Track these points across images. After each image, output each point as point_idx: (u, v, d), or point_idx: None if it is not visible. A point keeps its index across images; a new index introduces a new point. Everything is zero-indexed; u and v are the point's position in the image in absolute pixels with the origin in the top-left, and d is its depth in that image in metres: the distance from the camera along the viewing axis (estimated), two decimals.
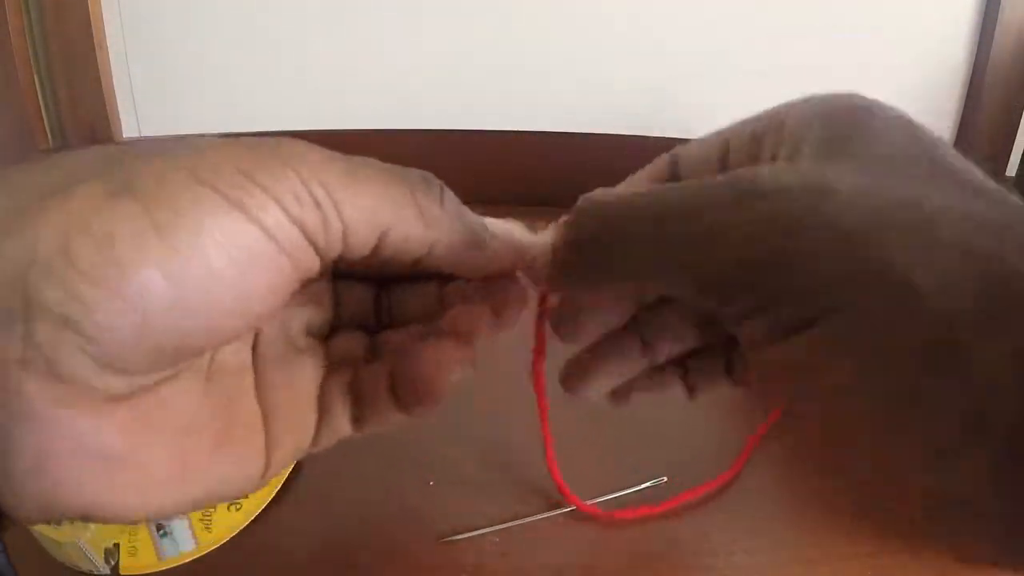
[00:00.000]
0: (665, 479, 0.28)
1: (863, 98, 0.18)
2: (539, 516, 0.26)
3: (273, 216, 0.14)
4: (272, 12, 0.59)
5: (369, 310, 0.21)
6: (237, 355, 0.18)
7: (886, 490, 0.17)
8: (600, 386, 0.23)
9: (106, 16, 0.58)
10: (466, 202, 0.19)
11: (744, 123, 0.20)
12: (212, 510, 0.30)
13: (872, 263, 0.14)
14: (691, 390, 0.23)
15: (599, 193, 0.19)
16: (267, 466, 0.18)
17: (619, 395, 0.23)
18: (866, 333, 0.14)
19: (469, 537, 0.25)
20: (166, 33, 0.60)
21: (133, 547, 0.28)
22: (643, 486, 0.28)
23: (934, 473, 0.14)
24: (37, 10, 0.56)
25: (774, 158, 0.18)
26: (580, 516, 0.27)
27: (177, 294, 0.14)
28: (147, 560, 0.28)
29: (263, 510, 0.30)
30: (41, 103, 0.59)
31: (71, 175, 0.14)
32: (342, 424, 0.19)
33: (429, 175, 0.18)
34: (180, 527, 0.29)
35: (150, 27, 0.60)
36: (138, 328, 0.14)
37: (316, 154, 0.15)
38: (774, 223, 0.15)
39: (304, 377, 0.19)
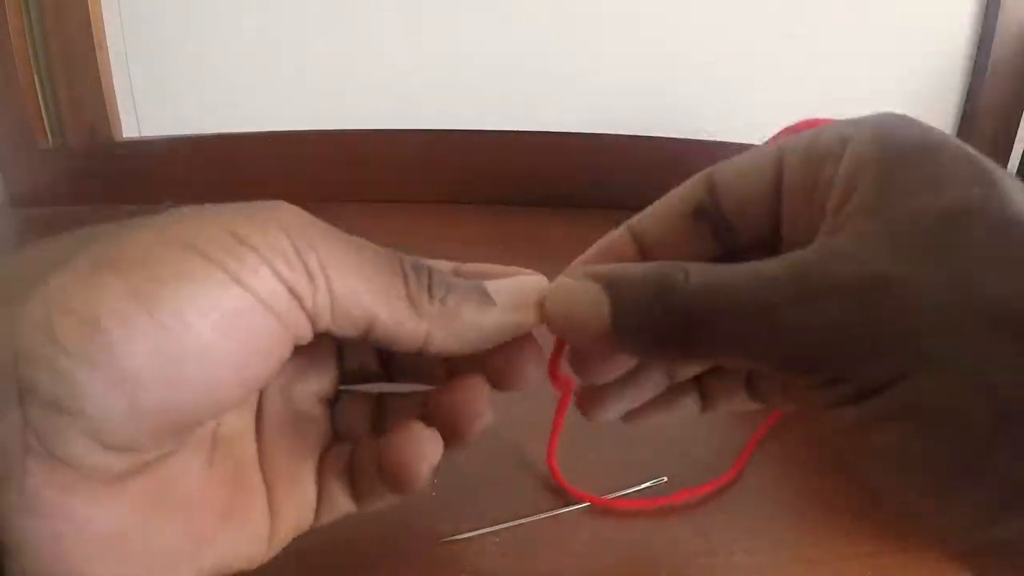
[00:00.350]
0: (665, 479, 0.28)
1: (928, 132, 0.17)
2: (539, 516, 0.26)
3: (264, 280, 0.14)
4: (272, 12, 0.59)
5: (375, 363, 0.21)
6: (240, 422, 0.18)
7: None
8: (618, 410, 0.23)
9: (106, 16, 0.58)
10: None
11: (798, 138, 0.19)
12: None
13: (943, 344, 0.14)
14: (707, 406, 0.23)
15: (671, 273, 0.17)
16: (272, 535, 0.18)
17: (635, 415, 0.23)
18: (926, 406, 0.14)
19: (469, 537, 0.25)
20: (166, 33, 0.60)
21: None
22: (643, 486, 0.28)
23: (975, 532, 0.15)
24: (37, 10, 0.56)
25: (822, 207, 0.17)
26: (580, 516, 0.27)
27: (168, 368, 0.13)
28: None
29: None
30: (41, 103, 0.59)
31: (59, 255, 0.14)
32: (342, 501, 0.20)
33: (419, 262, 0.17)
34: None
35: (150, 27, 0.59)
36: (132, 405, 0.13)
37: (312, 224, 0.16)
38: (841, 318, 0.15)
39: (306, 447, 0.19)
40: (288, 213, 0.16)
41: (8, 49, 0.55)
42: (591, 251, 0.22)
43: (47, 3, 0.56)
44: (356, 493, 0.20)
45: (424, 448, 0.18)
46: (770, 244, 0.20)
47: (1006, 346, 0.14)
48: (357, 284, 0.16)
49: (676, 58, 0.61)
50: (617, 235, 0.22)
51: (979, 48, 0.60)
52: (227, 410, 0.16)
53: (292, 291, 0.15)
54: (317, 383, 0.20)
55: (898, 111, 0.18)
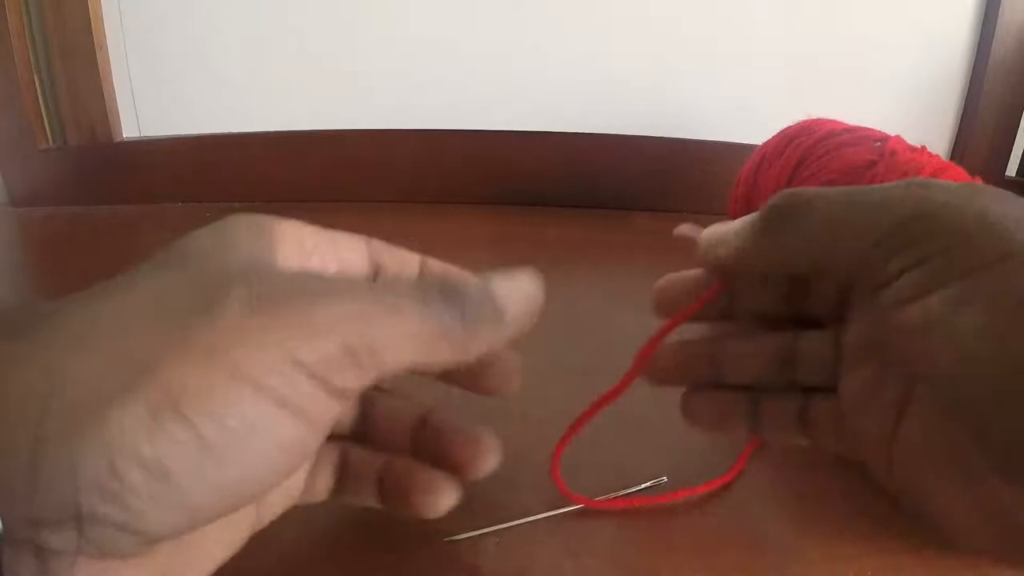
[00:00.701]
0: (665, 479, 0.28)
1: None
2: (539, 516, 0.26)
3: (317, 399, 0.15)
4: (272, 12, 0.59)
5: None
6: None
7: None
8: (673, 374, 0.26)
9: (106, 16, 0.58)
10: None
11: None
12: None
13: (1009, 242, 0.17)
14: (757, 430, 0.24)
15: (796, 191, 0.21)
16: (256, 525, 0.19)
17: (691, 409, 0.26)
18: (1006, 293, 0.16)
19: (469, 537, 0.25)
20: (166, 33, 0.60)
21: None
22: (643, 486, 0.28)
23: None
24: (37, 10, 0.56)
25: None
26: (580, 516, 0.27)
27: (226, 495, 0.14)
28: None
29: None
30: (41, 103, 0.59)
31: (106, 372, 0.14)
32: (320, 491, 0.21)
33: (451, 290, 0.18)
34: None
35: (150, 27, 0.60)
36: (188, 519, 0.14)
37: (359, 307, 0.16)
38: (942, 200, 0.18)
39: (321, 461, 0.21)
40: (333, 308, 0.15)
41: (8, 49, 0.55)
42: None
43: (47, 3, 0.56)
44: (337, 488, 0.21)
45: (433, 496, 0.20)
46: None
47: None
48: (400, 349, 0.16)
49: (676, 58, 0.61)
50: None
51: (979, 48, 0.60)
52: (263, 493, 0.17)
53: (340, 392, 0.16)
54: None
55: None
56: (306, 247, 0.20)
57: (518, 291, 0.19)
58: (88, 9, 0.56)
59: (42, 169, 0.60)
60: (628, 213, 0.62)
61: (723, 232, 0.23)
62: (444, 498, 0.21)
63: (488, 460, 0.21)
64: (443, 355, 0.17)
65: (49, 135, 0.60)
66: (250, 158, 0.61)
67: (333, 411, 0.16)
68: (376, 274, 0.23)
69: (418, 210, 0.61)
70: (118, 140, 0.60)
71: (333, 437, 0.21)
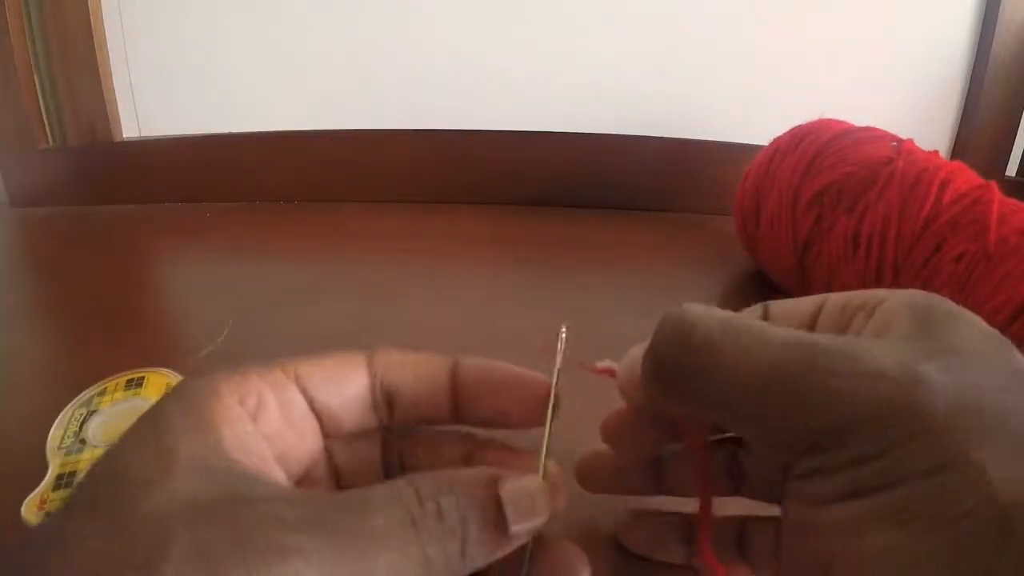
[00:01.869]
0: None
1: (954, 305, 0.19)
2: None
3: None
4: (272, 12, 0.59)
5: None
6: None
7: None
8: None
9: (106, 16, 0.58)
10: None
11: (841, 294, 0.21)
12: None
13: (951, 448, 0.15)
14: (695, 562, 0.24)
15: (695, 315, 0.19)
16: None
17: (623, 530, 0.26)
18: (931, 505, 0.15)
19: None
20: (166, 33, 0.60)
21: None
22: None
23: None
24: (37, 10, 0.56)
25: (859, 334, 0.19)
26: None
27: None
28: None
29: None
30: (41, 103, 0.59)
31: None
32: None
33: (449, 512, 0.16)
34: None
35: (150, 27, 0.59)
36: None
37: (322, 566, 0.15)
38: (869, 402, 0.16)
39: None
40: (289, 570, 0.14)
41: (8, 49, 0.55)
42: None
43: (47, 3, 0.56)
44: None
45: None
46: None
47: (1011, 460, 0.15)
48: None
49: (677, 58, 0.61)
50: None
51: (979, 48, 0.60)
52: None
53: None
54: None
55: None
56: (249, 407, 0.18)
57: (527, 501, 0.18)
58: (88, 9, 0.56)
59: (42, 169, 0.60)
60: (630, 213, 0.62)
61: (635, 374, 0.21)
62: None
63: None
64: None
65: (49, 135, 0.60)
66: (250, 158, 0.61)
67: None
68: (389, 402, 0.21)
69: (418, 210, 0.60)
70: (118, 140, 0.60)
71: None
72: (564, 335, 0.21)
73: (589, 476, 0.23)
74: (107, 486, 0.16)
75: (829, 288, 0.40)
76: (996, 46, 0.58)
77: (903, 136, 0.42)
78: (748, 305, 0.22)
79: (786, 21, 0.60)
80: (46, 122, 0.60)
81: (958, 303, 0.32)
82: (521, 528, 0.17)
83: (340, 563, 0.14)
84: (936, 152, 0.40)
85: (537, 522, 0.18)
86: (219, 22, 0.59)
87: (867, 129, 0.44)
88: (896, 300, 0.19)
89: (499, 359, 0.23)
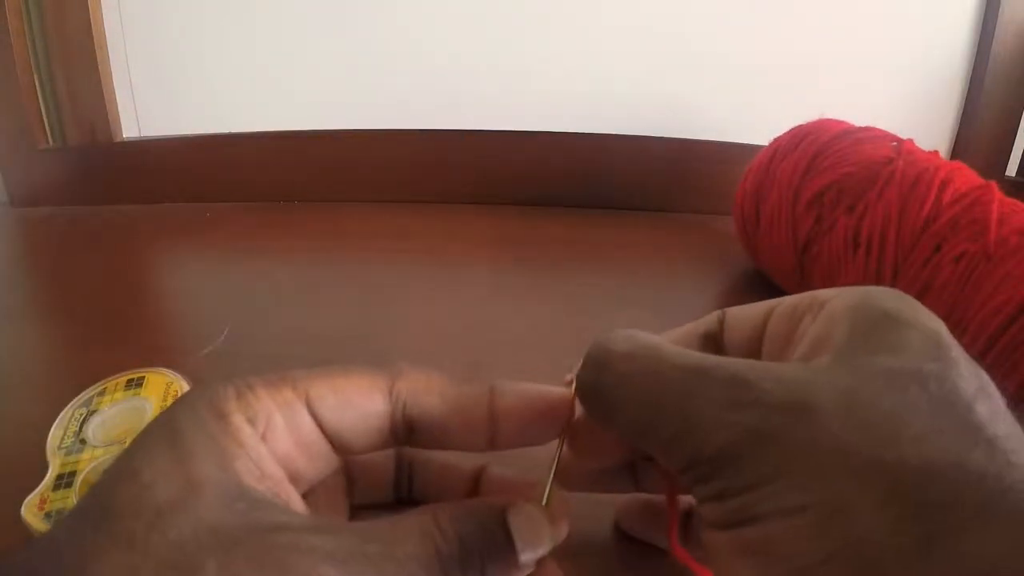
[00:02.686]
0: None
1: (901, 300, 0.18)
2: None
3: None
4: (272, 12, 0.59)
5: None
6: None
7: None
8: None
9: (106, 16, 0.58)
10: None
11: (792, 297, 0.21)
12: None
13: (818, 490, 0.14)
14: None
15: (614, 340, 0.19)
16: None
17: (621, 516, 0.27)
18: (788, 547, 0.15)
19: None
20: (166, 33, 0.60)
21: None
22: None
23: None
24: (37, 10, 0.56)
25: (801, 339, 0.19)
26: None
27: None
28: None
29: None
30: (41, 103, 0.59)
31: None
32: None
33: (471, 557, 0.17)
34: None
35: (150, 27, 0.59)
36: None
37: None
38: (743, 433, 0.16)
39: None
40: None
41: (8, 49, 0.55)
42: None
43: (47, 3, 0.56)
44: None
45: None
46: None
47: (882, 510, 0.14)
48: None
49: (677, 59, 0.61)
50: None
51: (979, 48, 0.60)
52: None
53: None
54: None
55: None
56: (260, 429, 0.18)
57: (534, 530, 0.18)
58: (88, 9, 0.56)
59: (42, 169, 0.60)
60: (630, 213, 0.62)
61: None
62: None
63: None
64: None
65: (49, 135, 0.60)
66: (250, 158, 0.61)
67: None
68: (411, 427, 0.20)
69: (418, 210, 0.60)
70: (118, 140, 0.60)
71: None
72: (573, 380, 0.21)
73: (568, 476, 0.23)
74: (129, 508, 0.15)
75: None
76: (996, 46, 0.58)
77: (903, 136, 0.42)
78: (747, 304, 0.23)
79: (786, 21, 0.60)
80: (46, 122, 0.60)
81: (958, 303, 0.32)
82: (529, 557, 0.18)
83: None
84: (936, 152, 0.40)
85: (542, 551, 0.18)
86: (219, 22, 0.59)
87: (867, 129, 0.44)
88: (837, 303, 0.18)
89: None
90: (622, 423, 0.18)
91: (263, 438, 0.18)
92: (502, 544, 0.18)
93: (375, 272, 0.51)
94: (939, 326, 0.17)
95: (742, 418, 0.16)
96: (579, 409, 0.20)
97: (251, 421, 0.18)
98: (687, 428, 0.16)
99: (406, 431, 0.20)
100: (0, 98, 0.57)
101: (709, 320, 0.23)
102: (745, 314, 0.22)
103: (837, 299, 0.19)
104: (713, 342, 0.23)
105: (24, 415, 0.34)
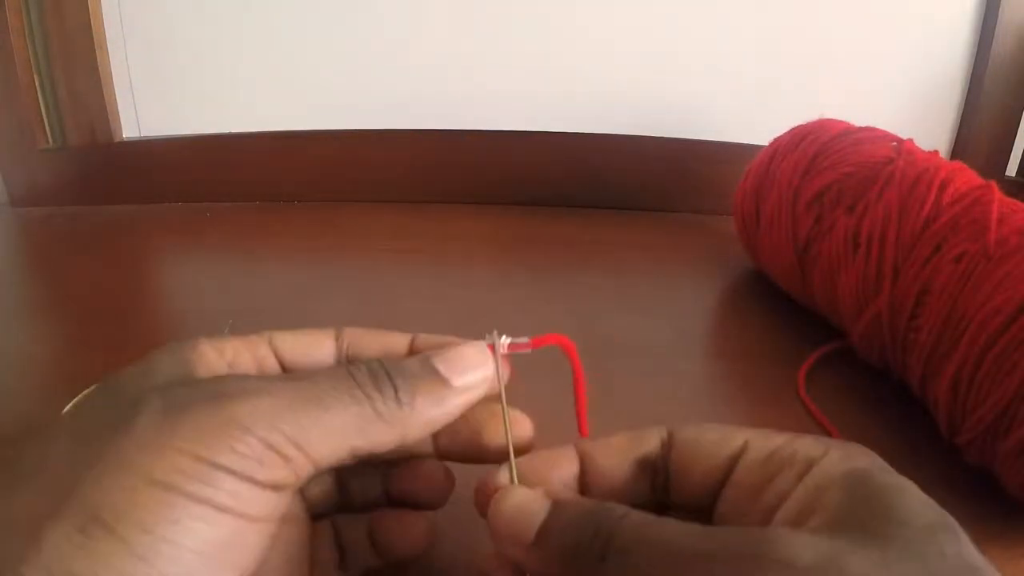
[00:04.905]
0: None
1: (892, 475, 0.18)
2: None
3: (242, 496, 0.15)
4: (272, 12, 0.59)
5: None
6: None
7: None
8: None
9: (106, 16, 0.58)
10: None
11: (763, 440, 0.20)
12: None
13: None
14: None
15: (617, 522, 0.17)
16: None
17: None
18: None
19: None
20: (166, 33, 0.60)
21: None
22: None
23: None
24: (37, 10, 0.56)
25: (769, 510, 0.18)
26: None
27: None
28: None
29: None
30: (41, 103, 0.59)
31: (42, 496, 0.15)
32: (329, 568, 0.21)
33: (378, 371, 0.18)
34: None
35: (150, 27, 0.59)
36: None
37: (276, 402, 0.16)
38: None
39: (295, 537, 0.20)
40: (246, 406, 0.16)
41: (8, 49, 0.55)
42: (539, 456, 0.21)
43: (47, 3, 0.56)
44: (344, 561, 0.22)
45: (408, 536, 0.21)
46: (696, 510, 0.20)
47: None
48: (331, 438, 0.17)
49: (676, 58, 0.61)
50: (564, 451, 0.21)
51: (979, 48, 0.60)
52: None
53: (272, 486, 0.16)
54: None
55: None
56: (226, 358, 0.20)
57: (462, 360, 0.19)
58: (88, 9, 0.56)
59: (42, 169, 0.60)
60: (630, 213, 0.62)
61: (519, 532, 0.18)
62: (418, 535, 0.22)
63: (443, 491, 0.22)
64: (382, 437, 0.17)
65: (49, 135, 0.60)
66: (250, 158, 0.61)
67: (272, 505, 0.16)
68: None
69: (418, 210, 0.60)
70: (118, 140, 0.60)
71: (323, 515, 0.22)
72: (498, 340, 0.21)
73: None
74: (99, 391, 0.18)
75: (830, 289, 0.40)
76: (996, 46, 0.58)
77: (903, 136, 0.42)
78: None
79: (786, 21, 0.60)
80: (46, 122, 0.60)
81: (958, 303, 0.32)
82: (464, 380, 0.19)
83: (298, 405, 0.16)
84: (936, 152, 0.40)
85: (479, 373, 0.20)
86: (219, 22, 0.59)
87: (867, 129, 0.44)
88: (829, 467, 0.18)
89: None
90: None
91: (229, 365, 0.20)
92: (421, 369, 0.19)
93: (375, 272, 0.51)
94: (934, 505, 0.17)
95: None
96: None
97: (219, 351, 0.20)
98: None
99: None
100: (0, 98, 0.57)
101: (649, 440, 0.21)
102: (701, 447, 0.20)
103: (826, 463, 0.18)
104: (651, 468, 0.21)
105: (24, 415, 0.34)
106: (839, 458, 0.18)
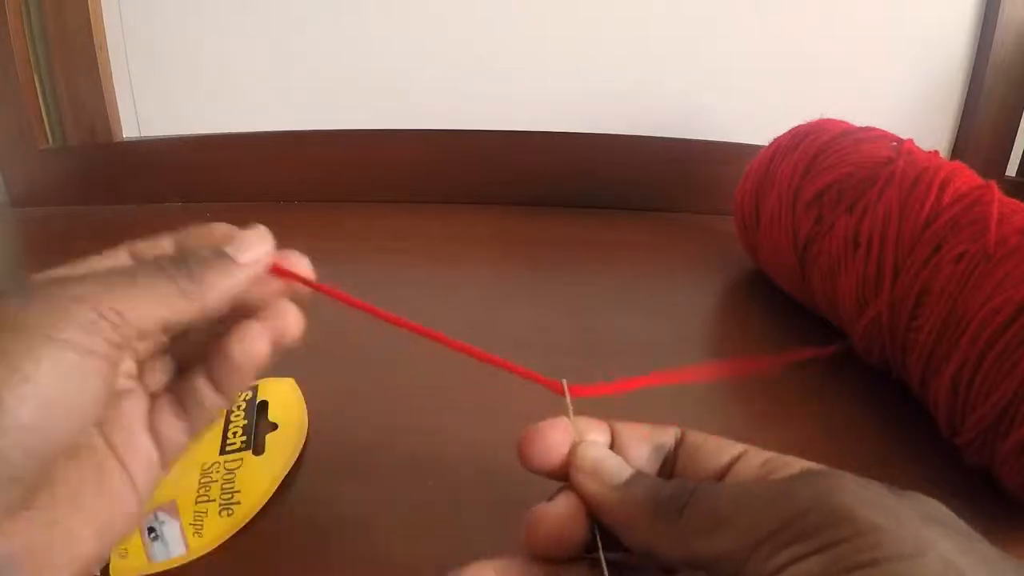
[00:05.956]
0: None
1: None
2: None
3: (84, 338, 0.19)
4: (272, 12, 0.59)
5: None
6: None
7: None
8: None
9: (106, 16, 0.58)
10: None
11: (761, 451, 0.21)
12: (204, 515, 0.30)
13: (920, 540, 0.15)
14: None
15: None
16: (139, 502, 0.22)
17: None
18: None
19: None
20: (166, 33, 0.60)
21: (123, 549, 0.28)
22: None
23: None
24: (37, 10, 0.56)
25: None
26: None
27: (38, 419, 0.18)
28: (137, 563, 0.28)
29: (254, 517, 0.30)
30: (41, 103, 0.59)
31: None
32: (177, 439, 0.23)
33: (179, 256, 0.23)
34: (171, 531, 0.29)
35: (150, 27, 0.59)
36: (19, 448, 0.17)
37: (100, 285, 0.20)
38: (847, 497, 0.17)
39: (135, 411, 0.23)
40: (86, 286, 0.20)
41: (8, 49, 0.55)
42: (579, 420, 0.23)
43: (47, 3, 0.56)
44: (188, 426, 0.23)
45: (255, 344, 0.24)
46: None
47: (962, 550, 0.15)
48: (143, 307, 0.20)
49: (676, 58, 0.61)
50: (599, 423, 0.23)
51: (979, 48, 0.60)
52: (83, 429, 0.20)
53: (106, 339, 0.19)
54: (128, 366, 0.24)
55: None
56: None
57: (244, 239, 0.24)
58: (88, 9, 0.56)
59: (42, 169, 0.60)
60: (630, 213, 0.62)
61: (605, 474, 0.21)
62: (257, 339, 0.24)
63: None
64: (183, 306, 0.21)
65: (49, 135, 0.60)
66: (250, 158, 0.61)
67: (114, 353, 0.20)
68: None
69: (418, 210, 0.61)
70: (118, 140, 0.60)
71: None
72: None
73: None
74: None
75: (829, 289, 0.40)
76: (996, 46, 0.58)
77: (903, 136, 0.42)
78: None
79: (786, 21, 0.60)
80: (46, 122, 0.60)
81: (958, 303, 0.32)
82: (246, 257, 0.24)
83: (118, 283, 0.20)
84: (936, 152, 0.40)
85: (259, 250, 0.25)
86: (219, 22, 0.59)
87: (867, 129, 0.44)
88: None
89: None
90: (701, 522, 0.18)
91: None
92: (210, 253, 0.23)
93: (374, 272, 0.51)
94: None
95: (834, 484, 0.17)
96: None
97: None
98: (775, 498, 0.17)
99: None
100: (0, 98, 0.57)
101: (666, 434, 0.23)
102: (706, 448, 0.22)
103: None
104: (663, 458, 0.23)
105: None
106: (822, 470, 0.20)
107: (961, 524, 0.17)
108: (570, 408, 0.22)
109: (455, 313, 0.45)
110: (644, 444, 0.23)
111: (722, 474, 0.21)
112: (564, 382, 0.22)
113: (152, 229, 0.26)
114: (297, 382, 0.36)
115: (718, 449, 0.22)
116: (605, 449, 0.22)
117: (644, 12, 0.59)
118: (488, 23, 0.60)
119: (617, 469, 0.21)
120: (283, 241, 0.27)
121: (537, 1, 0.59)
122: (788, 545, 0.16)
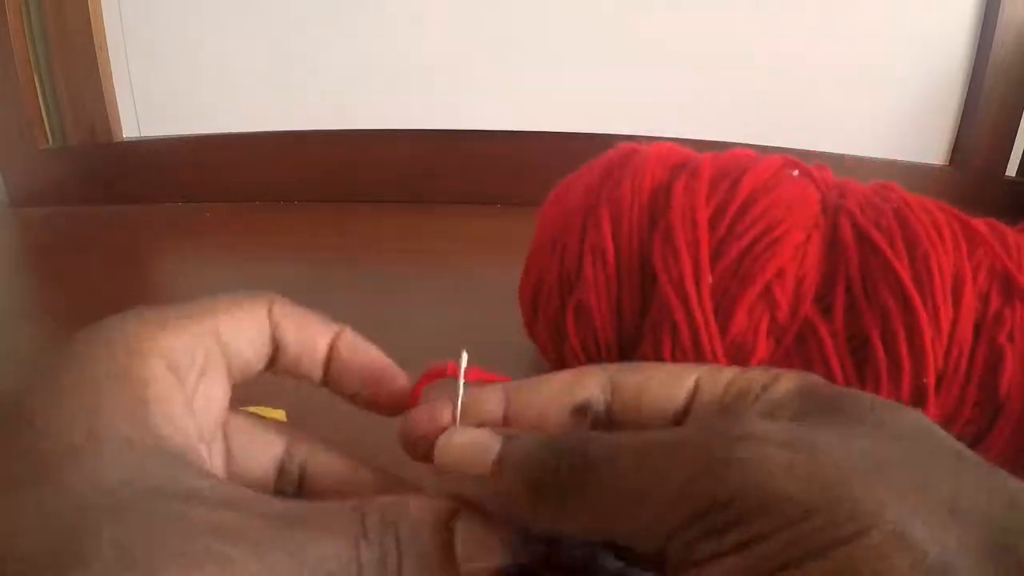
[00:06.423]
0: None
1: (836, 387, 0.18)
2: None
3: None
4: (273, 12, 0.59)
5: None
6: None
7: None
8: None
9: (106, 16, 0.58)
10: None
11: (717, 371, 0.18)
12: None
13: (861, 514, 0.13)
14: None
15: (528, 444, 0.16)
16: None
17: None
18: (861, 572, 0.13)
19: None
20: (166, 33, 0.60)
21: None
22: None
23: None
24: (37, 10, 0.56)
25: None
26: None
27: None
28: None
29: None
30: (41, 103, 0.59)
31: (60, 538, 0.13)
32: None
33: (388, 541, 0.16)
34: None
35: (150, 27, 0.59)
36: None
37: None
38: (785, 463, 0.14)
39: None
40: None
41: (8, 49, 0.55)
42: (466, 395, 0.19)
43: (47, 3, 0.56)
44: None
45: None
46: None
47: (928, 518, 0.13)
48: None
49: (673, 58, 0.61)
50: (490, 392, 0.19)
51: (979, 48, 0.60)
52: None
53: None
54: None
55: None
56: (178, 370, 0.17)
57: (485, 552, 0.16)
58: (88, 9, 0.56)
59: (42, 169, 0.60)
60: None
61: (468, 466, 0.17)
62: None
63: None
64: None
65: (49, 135, 0.60)
66: (250, 158, 0.61)
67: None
68: (274, 354, 0.20)
69: (418, 210, 0.61)
70: (118, 140, 0.60)
71: None
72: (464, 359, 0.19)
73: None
74: (27, 447, 0.14)
75: None
76: (996, 46, 0.58)
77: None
78: None
79: (785, 22, 0.60)
80: (46, 122, 0.60)
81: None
82: (474, 567, 0.16)
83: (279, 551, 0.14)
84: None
85: (492, 563, 0.16)
86: (219, 22, 0.59)
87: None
88: (782, 387, 0.17)
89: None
90: (604, 500, 0.15)
91: (181, 381, 0.17)
92: (431, 549, 0.16)
93: (375, 272, 0.51)
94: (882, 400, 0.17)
95: (764, 450, 0.14)
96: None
97: (170, 365, 0.17)
98: (692, 476, 0.14)
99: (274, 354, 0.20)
100: (0, 98, 0.57)
101: (586, 385, 0.18)
102: (649, 393, 0.18)
103: (779, 384, 0.17)
104: (591, 417, 0.18)
105: None
106: (790, 378, 0.17)
107: (944, 442, 0.15)
108: (460, 385, 0.18)
109: (454, 313, 0.45)
110: (558, 408, 0.18)
111: (679, 420, 0.18)
112: (464, 356, 0.18)
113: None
114: (288, 415, 0.35)
115: (666, 386, 0.18)
116: (470, 432, 0.18)
117: (644, 13, 0.59)
118: (488, 24, 0.60)
119: (486, 452, 0.17)
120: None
121: (537, 3, 0.59)
122: (707, 537, 0.14)
